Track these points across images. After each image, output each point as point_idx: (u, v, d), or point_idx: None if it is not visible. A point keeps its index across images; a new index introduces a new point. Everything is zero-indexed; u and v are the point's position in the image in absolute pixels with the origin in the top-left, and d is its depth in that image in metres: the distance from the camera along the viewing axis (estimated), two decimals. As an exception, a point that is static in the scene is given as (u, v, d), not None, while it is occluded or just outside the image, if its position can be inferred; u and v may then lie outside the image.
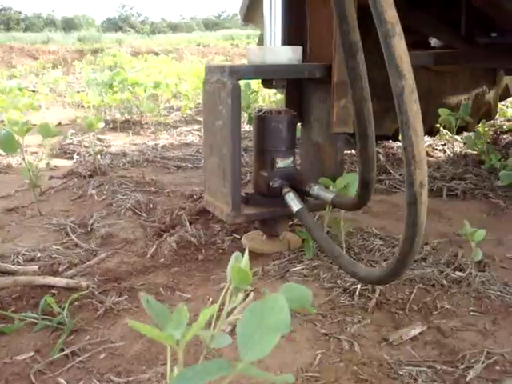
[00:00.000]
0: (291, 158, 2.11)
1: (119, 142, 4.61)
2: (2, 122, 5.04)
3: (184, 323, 0.83)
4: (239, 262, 1.08)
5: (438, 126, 3.93)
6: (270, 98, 6.17)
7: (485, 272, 1.90)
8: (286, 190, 2.01)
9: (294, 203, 1.95)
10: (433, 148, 3.95)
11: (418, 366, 1.39)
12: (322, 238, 1.79)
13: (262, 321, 0.79)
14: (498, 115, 4.84)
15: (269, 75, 2.07)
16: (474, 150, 3.65)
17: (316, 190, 1.99)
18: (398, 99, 1.17)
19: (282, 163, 2.08)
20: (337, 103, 2.05)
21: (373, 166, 1.58)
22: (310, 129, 2.30)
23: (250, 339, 0.78)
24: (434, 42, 3.88)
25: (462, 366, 1.39)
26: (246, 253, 1.09)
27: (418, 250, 1.31)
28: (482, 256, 1.82)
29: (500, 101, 4.71)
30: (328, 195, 1.93)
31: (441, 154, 3.80)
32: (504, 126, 4.77)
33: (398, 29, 1.17)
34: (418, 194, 1.20)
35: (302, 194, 2.03)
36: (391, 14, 1.17)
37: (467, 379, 1.34)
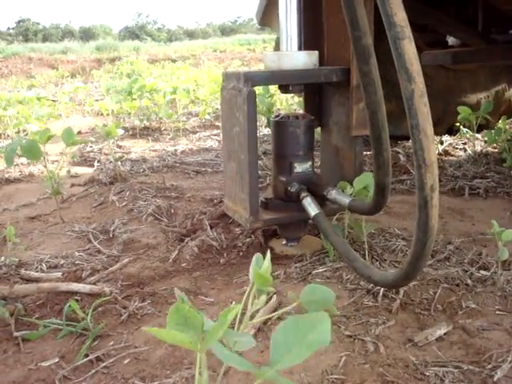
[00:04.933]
0: (309, 163, 2.10)
1: (139, 148, 4.63)
2: (24, 131, 5.10)
3: (199, 328, 0.83)
4: (260, 264, 1.08)
5: (457, 124, 3.90)
6: (287, 101, 6.17)
7: (510, 270, 1.88)
8: (303, 194, 2.01)
9: (311, 208, 1.95)
10: (453, 147, 3.92)
11: (445, 366, 1.38)
12: (338, 243, 1.79)
13: (303, 337, 0.80)
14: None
15: (284, 81, 2.07)
16: (495, 148, 3.62)
17: (333, 194, 1.98)
18: (407, 102, 1.17)
19: (300, 168, 2.08)
20: (356, 106, 2.04)
21: (388, 171, 1.57)
22: (329, 132, 2.29)
23: (287, 350, 0.79)
24: (451, 40, 3.85)
25: (489, 366, 1.37)
26: (268, 255, 1.09)
27: (430, 253, 1.30)
28: (507, 255, 1.79)
29: (520, 98, 4.66)
30: (345, 199, 1.91)
31: (461, 153, 3.77)
32: (525, 124, 4.71)
33: (408, 31, 1.16)
34: (429, 198, 1.19)
35: (320, 199, 2.02)
36: (401, 17, 1.16)
37: (494, 379, 1.32)
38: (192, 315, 0.82)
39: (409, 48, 1.15)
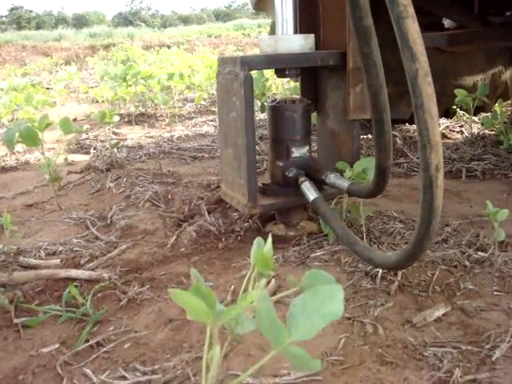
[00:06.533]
0: (307, 147, 2.10)
1: (135, 135, 4.62)
2: (18, 119, 5.07)
3: (213, 305, 0.84)
4: (262, 248, 1.08)
5: (454, 107, 3.90)
6: (283, 86, 6.15)
7: (507, 252, 1.89)
8: (301, 179, 2.00)
9: (310, 192, 1.94)
10: (450, 130, 3.92)
11: (443, 346, 1.39)
12: (338, 226, 1.79)
13: (320, 307, 0.82)
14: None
15: (281, 64, 2.06)
16: (491, 130, 3.62)
17: (332, 178, 1.97)
18: (411, 82, 1.16)
19: (297, 152, 2.08)
20: (353, 90, 2.03)
21: (389, 154, 1.56)
22: (325, 116, 2.28)
23: (303, 321, 0.82)
24: (447, 23, 3.84)
25: (488, 346, 1.38)
26: (270, 238, 1.09)
27: (435, 234, 1.30)
28: (504, 236, 1.80)
29: (517, 80, 4.65)
30: (344, 183, 1.91)
31: (458, 136, 3.77)
32: (521, 106, 4.71)
33: (411, 10, 1.15)
34: (434, 178, 1.18)
35: (319, 183, 2.02)
36: None
37: (493, 359, 1.33)
38: (208, 294, 0.83)
39: (412, 27, 1.14)
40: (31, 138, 2.53)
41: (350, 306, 1.59)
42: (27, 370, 1.39)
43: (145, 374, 1.34)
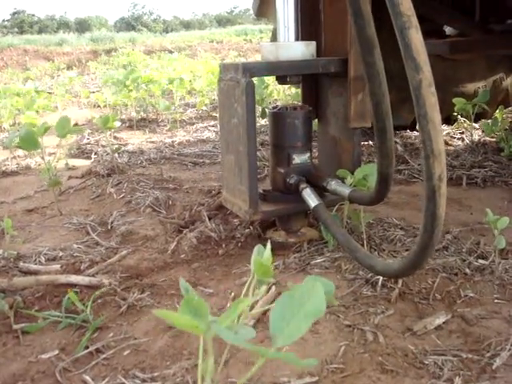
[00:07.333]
0: (308, 154, 2.10)
1: (136, 140, 4.62)
2: (19, 124, 5.08)
3: (205, 315, 0.83)
4: (261, 255, 1.08)
5: (455, 114, 3.90)
6: (284, 92, 6.15)
7: (508, 259, 1.88)
8: (302, 185, 2.00)
9: (311, 199, 1.94)
10: (451, 137, 3.92)
11: (444, 355, 1.38)
12: (338, 233, 1.79)
13: (300, 306, 0.80)
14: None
15: (282, 71, 2.06)
16: (492, 137, 3.62)
17: (333, 185, 1.97)
18: (415, 92, 1.16)
19: (298, 159, 2.08)
20: (354, 97, 2.03)
21: (391, 161, 1.56)
22: (326, 123, 2.29)
23: (286, 324, 0.80)
24: (448, 30, 3.85)
25: (488, 354, 1.38)
26: (268, 245, 1.09)
27: (438, 243, 1.30)
28: (505, 243, 1.80)
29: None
30: (345, 190, 1.91)
31: (459, 143, 3.77)
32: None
33: (414, 21, 1.15)
34: (437, 187, 1.19)
35: (320, 190, 2.02)
36: (407, 6, 1.15)
37: (493, 367, 1.33)
38: (199, 304, 0.83)
39: (416, 37, 1.14)
40: (31, 142, 2.53)
41: (351, 314, 1.59)
42: (26, 376, 1.39)
43: (144, 381, 1.34)
